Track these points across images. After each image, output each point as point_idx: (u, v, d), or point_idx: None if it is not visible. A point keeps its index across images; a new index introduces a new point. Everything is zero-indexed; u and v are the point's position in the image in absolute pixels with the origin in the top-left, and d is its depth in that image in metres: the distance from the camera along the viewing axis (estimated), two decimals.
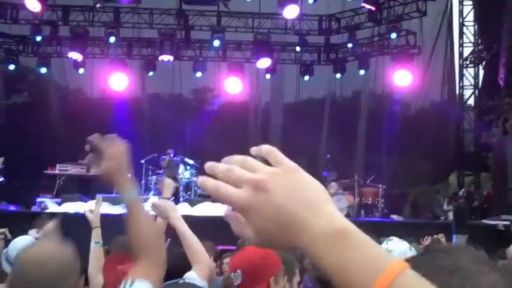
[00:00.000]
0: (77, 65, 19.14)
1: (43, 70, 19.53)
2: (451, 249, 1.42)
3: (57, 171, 16.55)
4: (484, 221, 14.32)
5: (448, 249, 1.41)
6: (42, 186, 16.38)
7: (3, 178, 16.32)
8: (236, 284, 3.38)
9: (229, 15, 19.29)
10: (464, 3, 20.22)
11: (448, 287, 1.26)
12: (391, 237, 4.70)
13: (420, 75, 18.60)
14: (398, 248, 4.50)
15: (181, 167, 17.02)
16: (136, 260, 2.76)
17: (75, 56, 18.35)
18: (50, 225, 5.65)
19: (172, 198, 13.11)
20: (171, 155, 16.80)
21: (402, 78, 18.24)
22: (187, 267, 4.70)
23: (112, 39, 18.76)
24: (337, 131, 19.03)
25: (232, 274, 3.44)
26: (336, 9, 19.64)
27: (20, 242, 5.19)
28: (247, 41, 19.70)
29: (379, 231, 8.33)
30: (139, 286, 2.68)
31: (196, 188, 17.08)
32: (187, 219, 12.99)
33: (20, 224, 12.92)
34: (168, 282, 3.21)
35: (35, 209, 15.12)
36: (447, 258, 1.34)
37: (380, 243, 6.15)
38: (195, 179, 17.12)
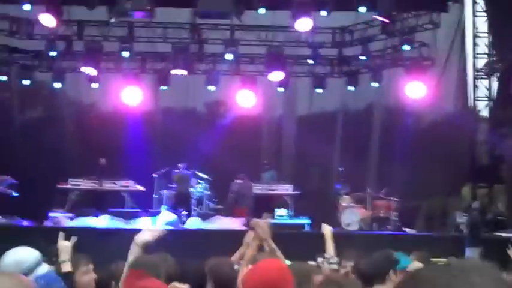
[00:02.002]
0: (90, 79, 19.24)
1: (57, 85, 19.64)
2: (467, 267, 1.38)
3: (69, 186, 16.62)
4: (497, 233, 14.18)
5: (463, 267, 1.37)
6: (55, 200, 16.45)
7: (16, 193, 16.43)
8: None
9: (243, 28, 19.31)
10: (478, 14, 20.10)
11: None
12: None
13: (433, 87, 18.48)
14: None
15: (194, 180, 17.05)
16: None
17: (89, 70, 18.44)
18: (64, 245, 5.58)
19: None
20: (183, 169, 16.85)
21: (415, 90, 18.12)
22: None
23: (126, 54, 18.84)
24: (350, 143, 18.96)
25: None
26: (348, 21, 19.59)
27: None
28: (260, 54, 19.70)
29: (392, 245, 8.27)
30: None
31: (208, 201, 17.10)
32: (200, 233, 13.02)
33: (32, 240, 12.99)
34: None
35: (47, 223, 15.20)
36: (464, 281, 1.31)
37: (394, 257, 6.09)
38: (207, 192, 17.16)
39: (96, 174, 16.87)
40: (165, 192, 16.97)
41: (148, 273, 4.39)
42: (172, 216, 15.40)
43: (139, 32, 19.47)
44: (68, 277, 5.19)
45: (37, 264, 4.87)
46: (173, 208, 16.25)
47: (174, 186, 16.91)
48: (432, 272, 1.38)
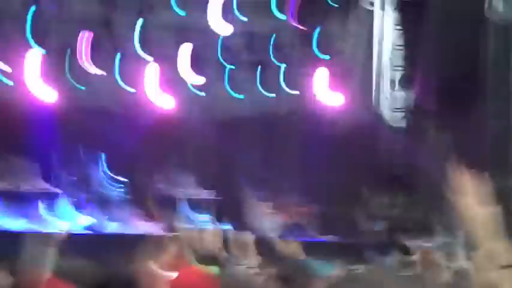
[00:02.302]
0: None
1: None
2: (380, 280, 1.38)
3: None
4: (413, 241, 14.55)
5: (376, 281, 1.38)
6: None
7: None
8: None
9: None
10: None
11: None
12: None
13: (348, 94, 18.93)
14: None
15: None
16: None
17: None
18: None
19: None
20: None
21: (327, 96, 18.66)
22: None
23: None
24: (268, 149, 18.97)
25: None
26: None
27: None
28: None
29: (308, 252, 8.45)
30: None
31: (125, 205, 16.75)
32: (119, 237, 12.56)
33: None
34: None
35: None
36: None
37: (314, 264, 6.19)
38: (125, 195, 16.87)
39: None
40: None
41: (73, 281, 4.33)
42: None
43: None
44: None
45: None
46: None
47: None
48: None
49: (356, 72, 19.33)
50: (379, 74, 19.63)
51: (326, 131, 18.84)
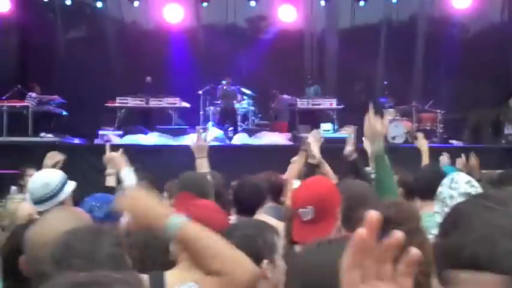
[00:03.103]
0: None
1: (99, 4, 19.64)
2: (506, 198, 1.31)
3: (117, 104, 16.84)
4: None
5: (506, 199, 1.31)
6: (104, 119, 16.76)
7: (65, 112, 16.83)
8: (305, 219, 3.38)
9: None
10: None
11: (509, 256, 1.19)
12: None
13: None
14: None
15: (238, 96, 17.15)
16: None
17: None
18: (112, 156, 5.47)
19: (232, 128, 13.40)
20: (227, 85, 16.91)
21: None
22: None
23: None
24: (394, 56, 18.68)
25: (300, 210, 3.42)
26: None
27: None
28: None
29: (438, 157, 8.34)
30: None
31: (253, 117, 17.23)
32: (247, 148, 13.18)
33: (84, 157, 13.32)
34: None
35: (98, 141, 15.52)
36: (507, 215, 1.25)
37: (442, 171, 6.11)
38: (252, 108, 17.28)
39: (142, 92, 17.07)
40: (210, 108, 17.12)
41: (197, 192, 4.47)
42: (219, 132, 15.61)
43: None
44: (111, 191, 4.86)
45: (63, 184, 4.93)
46: (219, 124, 16.46)
47: (219, 102, 17.02)
48: (470, 205, 1.34)
49: None
50: None
51: (452, 34, 18.25)
